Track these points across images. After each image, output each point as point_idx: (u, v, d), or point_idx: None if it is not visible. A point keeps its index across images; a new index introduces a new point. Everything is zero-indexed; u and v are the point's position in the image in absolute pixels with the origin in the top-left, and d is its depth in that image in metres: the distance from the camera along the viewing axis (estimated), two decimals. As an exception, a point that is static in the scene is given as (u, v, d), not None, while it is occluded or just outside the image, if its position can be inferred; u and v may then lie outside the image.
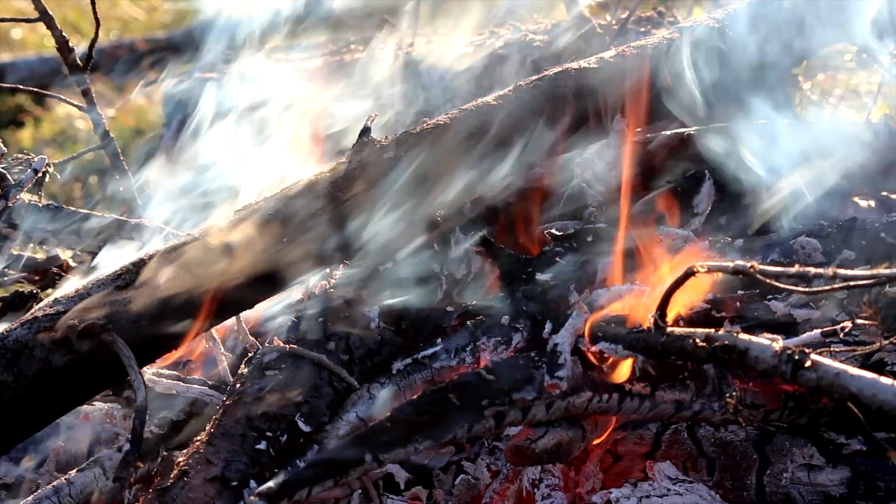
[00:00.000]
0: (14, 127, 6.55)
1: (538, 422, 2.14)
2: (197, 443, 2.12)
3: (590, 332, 2.17)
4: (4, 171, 2.99)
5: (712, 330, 1.99)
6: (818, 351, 1.88)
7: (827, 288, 1.85)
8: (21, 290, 3.08)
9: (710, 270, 1.91)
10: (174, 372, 2.67)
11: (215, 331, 2.64)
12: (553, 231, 2.64)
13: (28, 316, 2.17)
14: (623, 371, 2.15)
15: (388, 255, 2.54)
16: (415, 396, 2.09)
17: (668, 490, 2.28)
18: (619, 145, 2.70)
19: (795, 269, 1.83)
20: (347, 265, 2.56)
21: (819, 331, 2.16)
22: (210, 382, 2.64)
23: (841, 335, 2.11)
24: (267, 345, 2.37)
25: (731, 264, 1.89)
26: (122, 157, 3.43)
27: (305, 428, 2.20)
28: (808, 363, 1.83)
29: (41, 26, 3.24)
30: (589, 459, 2.37)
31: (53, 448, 2.94)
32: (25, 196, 3.03)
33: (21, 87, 3.80)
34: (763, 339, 1.91)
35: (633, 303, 2.26)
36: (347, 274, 2.54)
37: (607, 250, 2.50)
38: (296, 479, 1.89)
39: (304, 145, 3.43)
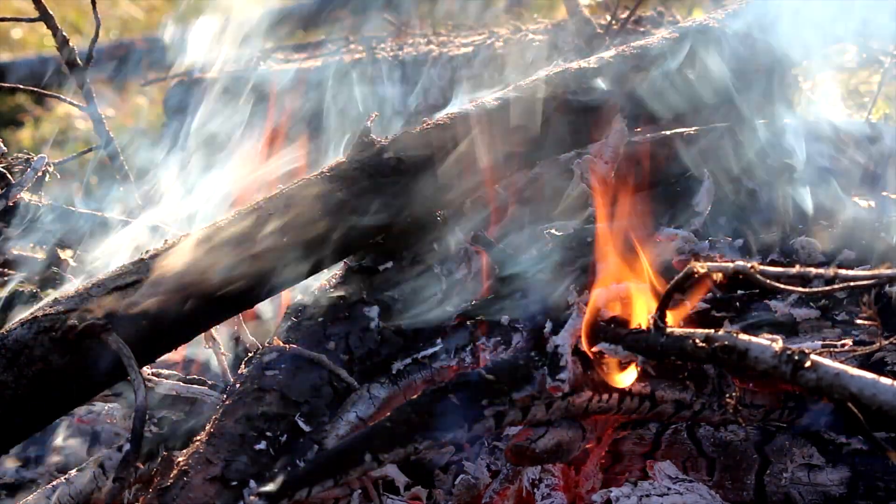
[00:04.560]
0: (14, 127, 6.56)
1: (538, 422, 2.14)
2: (197, 443, 2.12)
3: (589, 332, 2.17)
4: (4, 171, 2.99)
5: (712, 330, 1.99)
6: (818, 351, 1.89)
7: (827, 288, 1.85)
8: (21, 289, 3.08)
9: (710, 271, 1.91)
10: (174, 372, 2.67)
11: (215, 331, 2.64)
12: (553, 231, 2.64)
13: (28, 316, 2.17)
14: (628, 375, 2.15)
15: (388, 254, 2.54)
16: (415, 396, 2.09)
17: (669, 489, 2.28)
18: (618, 144, 2.70)
19: (796, 269, 1.84)
20: (347, 265, 2.56)
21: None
22: (210, 382, 2.64)
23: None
24: (267, 345, 2.37)
25: (731, 264, 1.89)
26: (122, 157, 3.43)
27: (305, 428, 2.20)
28: (807, 363, 1.83)
29: (41, 26, 3.23)
30: (589, 459, 2.37)
31: (54, 448, 2.95)
32: (25, 196, 3.03)
33: (21, 87, 3.80)
34: (763, 340, 1.91)
35: (633, 302, 2.26)
36: (347, 273, 2.54)
37: (607, 250, 2.50)
38: (296, 479, 1.89)
39: (302, 145, 3.43)
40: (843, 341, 2.13)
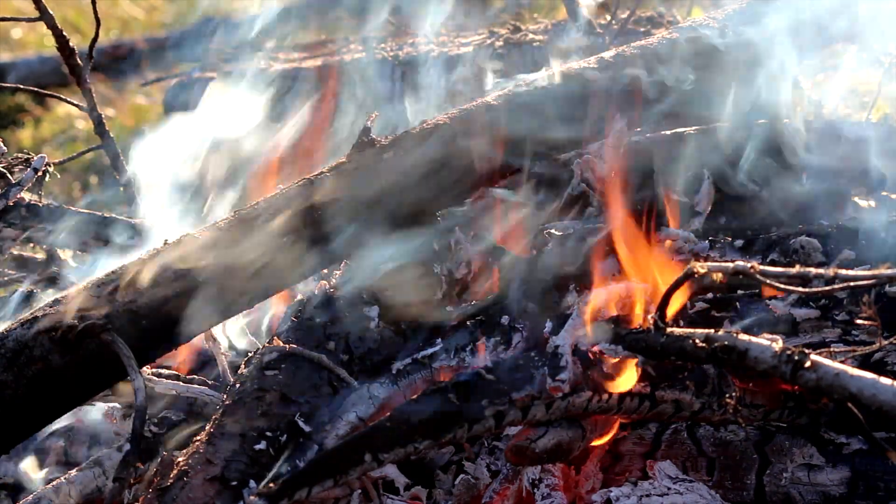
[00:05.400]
0: (14, 127, 6.56)
1: (538, 422, 2.14)
2: (197, 443, 2.12)
3: (589, 332, 2.17)
4: (4, 171, 2.99)
5: (712, 330, 1.99)
6: (818, 351, 1.88)
7: (827, 288, 1.85)
8: (21, 289, 3.08)
9: (710, 271, 1.91)
10: (174, 372, 2.68)
11: (215, 331, 2.64)
12: (553, 231, 2.64)
13: (28, 316, 2.17)
14: (629, 377, 2.15)
15: (388, 254, 2.54)
16: (415, 396, 2.09)
17: (669, 489, 2.28)
18: (618, 144, 2.70)
19: (796, 269, 1.83)
20: (347, 264, 2.56)
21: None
22: (210, 382, 2.64)
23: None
24: (267, 345, 2.37)
25: (731, 264, 1.89)
26: (122, 157, 3.43)
27: (305, 428, 2.20)
28: (807, 363, 1.83)
29: (41, 26, 3.24)
30: (589, 459, 2.37)
31: (53, 448, 2.94)
32: (25, 196, 3.03)
33: (21, 86, 3.80)
34: (763, 340, 1.91)
35: (633, 302, 2.26)
36: (347, 273, 2.54)
37: (607, 250, 2.50)
38: (296, 479, 1.89)
39: (300, 145, 3.43)
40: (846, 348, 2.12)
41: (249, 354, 2.38)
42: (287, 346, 2.33)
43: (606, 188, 2.64)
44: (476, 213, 2.67)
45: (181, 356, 2.86)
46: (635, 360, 2.13)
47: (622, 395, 2.16)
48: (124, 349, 2.12)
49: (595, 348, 2.15)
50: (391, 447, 1.95)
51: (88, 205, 3.25)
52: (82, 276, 2.87)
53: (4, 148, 3.06)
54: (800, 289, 1.89)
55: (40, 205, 3.05)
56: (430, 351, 2.40)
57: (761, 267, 1.85)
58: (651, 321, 2.06)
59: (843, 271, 1.82)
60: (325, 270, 2.55)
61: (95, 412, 2.79)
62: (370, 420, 2.26)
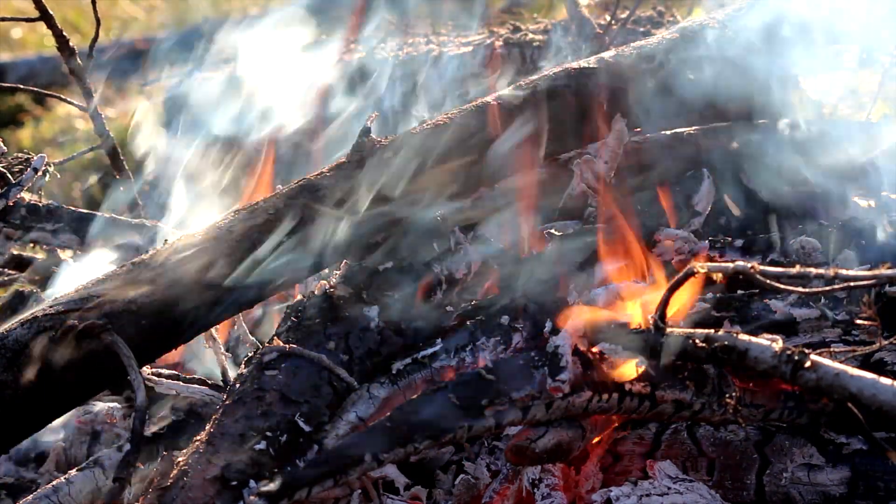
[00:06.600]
0: (14, 127, 6.56)
1: (538, 421, 2.14)
2: (197, 443, 2.12)
3: (590, 332, 2.16)
4: (4, 171, 2.99)
5: (712, 330, 1.99)
6: (818, 351, 1.89)
7: (827, 288, 1.85)
8: (21, 289, 3.08)
9: (710, 271, 1.91)
10: (174, 372, 2.68)
11: (215, 331, 2.64)
12: (553, 231, 2.64)
13: (28, 316, 2.17)
14: (627, 371, 2.15)
15: (388, 254, 2.54)
16: (415, 396, 2.09)
17: (669, 489, 2.28)
18: (618, 144, 2.70)
19: (796, 269, 1.83)
20: (347, 264, 2.56)
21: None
22: (210, 382, 2.64)
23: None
24: (267, 345, 2.37)
25: (731, 264, 1.89)
26: (122, 157, 3.43)
27: (305, 428, 2.20)
28: (807, 363, 1.83)
29: (41, 26, 3.24)
30: (589, 459, 2.37)
31: (53, 448, 2.94)
32: (25, 196, 3.03)
33: (21, 87, 3.80)
34: (763, 340, 1.91)
35: (632, 302, 2.26)
36: (347, 273, 2.54)
37: (607, 249, 2.50)
38: (296, 479, 1.89)
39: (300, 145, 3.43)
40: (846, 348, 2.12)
41: (249, 354, 2.38)
42: (287, 346, 2.33)
43: (606, 188, 2.64)
44: (476, 212, 2.68)
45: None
46: (635, 360, 2.13)
47: (622, 396, 2.16)
48: (124, 349, 2.12)
49: (595, 348, 2.15)
50: (391, 447, 1.95)
51: (88, 205, 3.25)
52: (82, 276, 2.87)
53: (4, 148, 3.06)
54: (800, 289, 1.89)
55: (40, 205, 3.05)
56: (430, 351, 2.40)
57: (761, 267, 1.85)
58: (651, 321, 2.06)
59: (843, 271, 1.82)
60: (326, 270, 2.55)
61: (95, 412, 2.79)
62: (370, 420, 2.26)
